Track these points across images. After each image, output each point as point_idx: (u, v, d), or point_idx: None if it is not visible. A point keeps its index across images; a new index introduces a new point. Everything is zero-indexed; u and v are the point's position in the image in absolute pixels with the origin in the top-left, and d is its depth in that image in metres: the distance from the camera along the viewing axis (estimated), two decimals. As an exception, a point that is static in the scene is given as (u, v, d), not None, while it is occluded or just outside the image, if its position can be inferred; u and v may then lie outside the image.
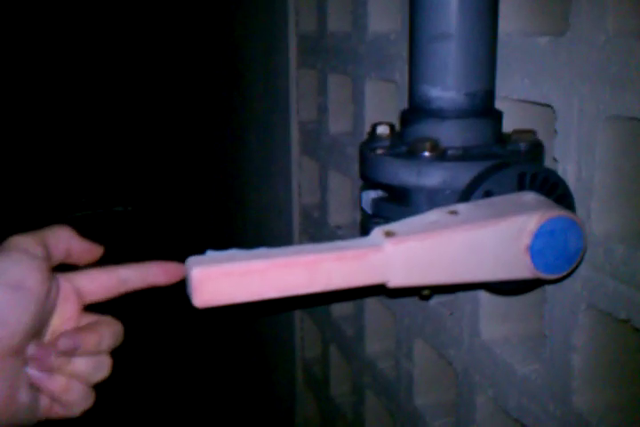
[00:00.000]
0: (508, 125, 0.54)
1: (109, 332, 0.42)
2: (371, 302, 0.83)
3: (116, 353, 0.42)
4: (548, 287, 0.51)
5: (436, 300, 0.66)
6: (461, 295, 0.61)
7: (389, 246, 0.41)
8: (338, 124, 0.89)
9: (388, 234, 0.42)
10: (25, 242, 0.39)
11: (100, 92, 2.65)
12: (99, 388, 0.42)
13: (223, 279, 0.39)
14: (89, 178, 2.70)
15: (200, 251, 0.42)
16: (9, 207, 2.24)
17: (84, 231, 0.44)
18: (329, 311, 0.96)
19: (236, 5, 1.31)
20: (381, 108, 0.77)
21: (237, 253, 0.41)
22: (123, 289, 0.43)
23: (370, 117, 0.77)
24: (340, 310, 0.94)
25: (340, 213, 0.91)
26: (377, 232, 0.43)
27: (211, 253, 0.41)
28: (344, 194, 0.89)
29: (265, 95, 1.16)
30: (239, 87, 1.34)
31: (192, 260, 0.40)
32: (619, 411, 0.49)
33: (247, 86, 1.28)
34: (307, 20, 0.96)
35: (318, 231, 0.97)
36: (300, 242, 1.05)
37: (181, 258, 0.42)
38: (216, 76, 1.51)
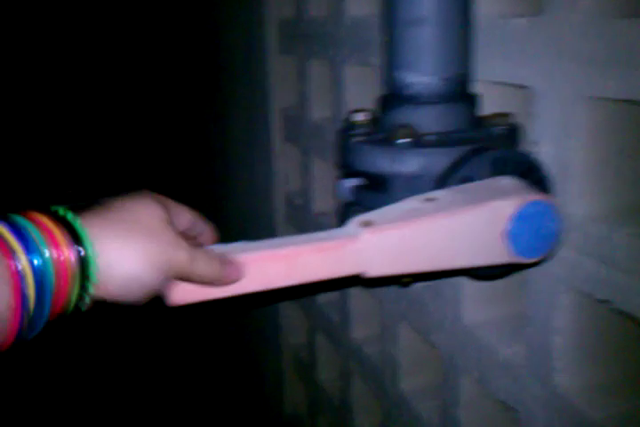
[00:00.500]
0: (486, 108, 0.53)
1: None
2: (355, 289, 0.83)
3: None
4: (528, 270, 0.51)
5: (419, 284, 0.66)
6: (443, 280, 0.61)
7: (367, 236, 0.41)
8: (319, 111, 0.88)
9: (365, 224, 0.42)
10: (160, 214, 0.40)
11: (79, 83, 2.61)
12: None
13: None
14: (74, 169, 2.67)
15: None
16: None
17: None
18: (314, 298, 0.96)
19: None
20: (362, 93, 0.77)
21: (214, 248, 0.40)
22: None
23: (351, 103, 0.77)
24: (324, 296, 0.94)
25: (323, 199, 0.91)
26: (354, 222, 0.42)
27: None
28: (326, 181, 0.89)
29: (246, 81, 1.15)
30: (221, 74, 1.32)
31: None
32: (600, 390, 0.49)
33: (229, 73, 1.27)
34: (286, 6, 0.94)
35: (302, 218, 0.96)
36: (285, 229, 1.05)
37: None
38: (198, 63, 1.49)
